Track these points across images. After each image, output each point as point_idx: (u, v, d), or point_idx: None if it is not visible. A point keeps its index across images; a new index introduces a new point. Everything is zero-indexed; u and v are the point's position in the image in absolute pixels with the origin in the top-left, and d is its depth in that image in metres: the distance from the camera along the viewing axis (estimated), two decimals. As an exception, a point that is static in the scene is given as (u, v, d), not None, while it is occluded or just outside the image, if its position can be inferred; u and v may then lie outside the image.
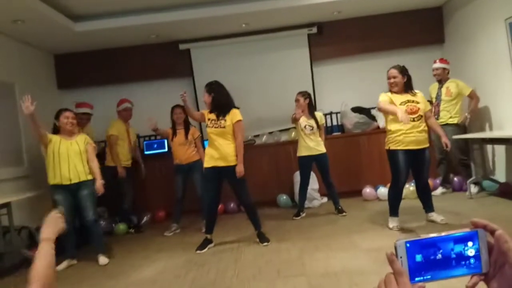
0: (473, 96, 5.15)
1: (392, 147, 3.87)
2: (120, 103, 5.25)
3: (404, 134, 3.79)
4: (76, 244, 4.20)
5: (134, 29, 5.49)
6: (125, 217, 5.25)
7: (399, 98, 3.83)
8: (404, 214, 4.25)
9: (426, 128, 3.88)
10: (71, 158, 3.90)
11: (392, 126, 3.86)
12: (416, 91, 3.92)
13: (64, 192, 3.91)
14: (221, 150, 3.90)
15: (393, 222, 3.98)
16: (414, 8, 6.08)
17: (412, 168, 3.93)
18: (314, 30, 6.22)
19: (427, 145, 3.89)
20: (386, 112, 3.88)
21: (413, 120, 3.77)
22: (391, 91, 3.89)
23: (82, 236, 4.66)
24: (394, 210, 4.01)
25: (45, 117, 4.83)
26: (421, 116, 3.82)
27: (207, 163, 3.97)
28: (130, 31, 5.58)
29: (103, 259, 3.99)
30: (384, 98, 3.85)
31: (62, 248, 4.15)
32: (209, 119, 3.97)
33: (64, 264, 3.95)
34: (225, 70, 6.14)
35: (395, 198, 4.01)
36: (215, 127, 3.92)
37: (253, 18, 5.65)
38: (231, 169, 3.91)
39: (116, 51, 6.26)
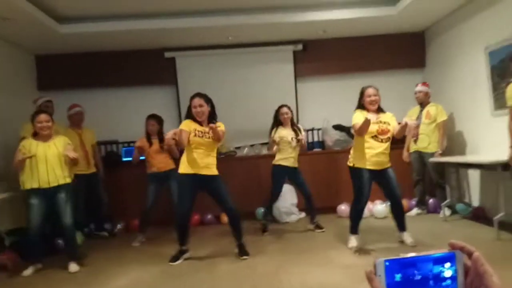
0: (440, 127, 5.26)
1: (357, 165, 3.91)
2: (71, 107, 5.16)
3: (370, 154, 3.84)
4: (44, 250, 4.08)
5: (119, 34, 5.45)
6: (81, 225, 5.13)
7: (372, 117, 3.83)
8: (377, 232, 4.28)
9: (389, 150, 3.92)
10: (49, 161, 3.80)
11: (361, 144, 3.90)
12: (387, 113, 3.98)
13: (41, 197, 3.80)
14: (205, 160, 3.86)
15: (352, 242, 4.00)
16: (397, 32, 6.24)
17: (382, 188, 4.00)
18: (300, 47, 6.32)
19: (389, 165, 3.94)
20: (362, 129, 3.83)
21: (382, 141, 3.84)
22: (367, 109, 3.93)
23: (51, 244, 4.53)
24: (354, 228, 4.05)
25: (23, 118, 4.73)
26: (389, 138, 3.87)
27: (186, 170, 3.84)
28: (115, 36, 5.54)
29: (73, 266, 3.87)
30: (360, 118, 3.83)
31: (28, 253, 4.02)
32: (196, 130, 3.84)
33: (30, 270, 3.82)
34: (210, 80, 6.16)
35: (357, 215, 4.04)
36: (206, 138, 3.83)
37: (240, 31, 5.70)
38: (214, 178, 3.88)
39: (100, 55, 6.19)
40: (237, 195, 5.26)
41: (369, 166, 3.87)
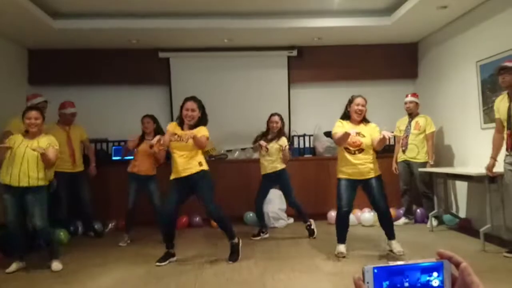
0: (429, 139, 5.32)
1: (338, 175, 4.02)
2: (67, 106, 5.03)
3: (347, 165, 3.91)
4: (27, 246, 4.01)
5: (114, 32, 5.42)
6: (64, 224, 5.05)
7: (351, 128, 3.88)
8: (363, 240, 4.29)
9: (372, 159, 3.93)
10: (26, 160, 3.69)
11: (339, 155, 4.01)
12: (371, 123, 4.01)
13: (11, 193, 3.71)
14: (186, 164, 3.82)
15: (339, 249, 4.02)
16: (391, 42, 6.30)
17: (367, 197, 4.03)
18: (294, 53, 6.35)
19: (374, 174, 3.93)
20: (340, 141, 3.88)
21: (354, 153, 3.89)
22: (352, 118, 3.97)
23: (34, 241, 4.45)
24: (340, 237, 4.05)
25: (12, 112, 4.67)
26: (363, 149, 3.88)
27: (172, 175, 3.89)
28: (110, 34, 5.51)
29: (56, 265, 3.80)
30: (339, 129, 3.92)
31: (10, 249, 3.95)
32: (175, 134, 3.84)
33: (13, 267, 3.75)
34: (204, 82, 6.15)
35: (339, 224, 4.07)
36: (181, 141, 3.81)
37: (236, 34, 5.71)
38: (196, 177, 3.83)
39: (93, 52, 6.15)
40: (227, 199, 5.27)
41: (347, 176, 3.94)
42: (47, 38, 5.57)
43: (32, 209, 3.74)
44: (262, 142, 4.69)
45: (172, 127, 3.93)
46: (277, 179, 4.85)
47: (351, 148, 3.90)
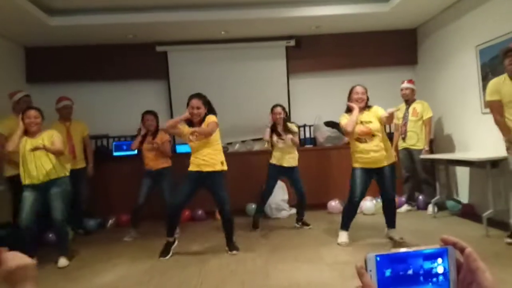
0: (426, 124, 5.30)
1: (353, 165, 4.03)
2: (59, 101, 5.04)
3: (361, 154, 3.92)
4: (36, 245, 4.03)
5: (111, 27, 5.38)
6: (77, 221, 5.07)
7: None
8: (366, 229, 4.29)
9: (383, 145, 3.93)
10: (37, 157, 3.77)
11: (352, 146, 4.02)
12: (372, 107, 4.01)
13: (33, 191, 3.77)
14: (203, 156, 3.85)
15: (342, 237, 4.04)
16: (389, 29, 6.25)
17: (377, 185, 4.04)
18: (292, 43, 6.30)
19: (388, 163, 3.95)
20: (350, 123, 3.90)
21: (365, 142, 3.90)
22: (351, 108, 3.99)
23: (41, 237, 4.47)
24: (345, 224, 4.09)
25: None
26: (373, 135, 3.89)
27: (190, 167, 3.91)
28: (106, 29, 5.47)
29: (62, 261, 3.83)
30: (345, 119, 4.00)
31: (20, 249, 3.94)
32: (194, 132, 3.81)
33: None
34: (202, 75, 6.12)
35: (347, 213, 4.09)
36: (197, 140, 3.82)
37: (233, 26, 5.67)
38: (213, 175, 3.85)
39: (91, 49, 6.12)
40: (228, 191, 5.25)
41: (361, 165, 3.94)
42: (44, 36, 5.53)
43: (53, 202, 3.82)
44: (284, 136, 4.68)
45: (186, 129, 3.90)
46: (290, 173, 4.79)
47: (361, 137, 3.91)
